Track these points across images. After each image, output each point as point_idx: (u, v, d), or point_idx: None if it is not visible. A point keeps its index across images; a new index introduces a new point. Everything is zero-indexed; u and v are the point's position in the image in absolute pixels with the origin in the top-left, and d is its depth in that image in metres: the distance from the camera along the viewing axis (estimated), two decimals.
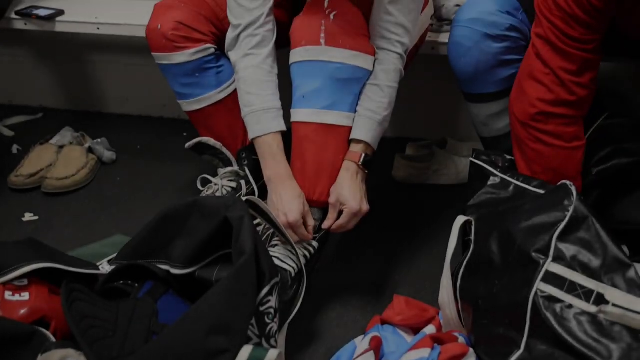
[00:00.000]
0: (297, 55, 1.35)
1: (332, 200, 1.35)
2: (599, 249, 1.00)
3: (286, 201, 1.32)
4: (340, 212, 1.35)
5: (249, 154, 1.56)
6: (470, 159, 1.33)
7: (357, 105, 1.37)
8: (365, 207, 1.35)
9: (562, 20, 1.16)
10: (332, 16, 1.32)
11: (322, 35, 1.32)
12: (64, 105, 2.41)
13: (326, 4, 1.34)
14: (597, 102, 1.36)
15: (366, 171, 1.37)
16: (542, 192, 1.17)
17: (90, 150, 2.01)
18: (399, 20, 1.35)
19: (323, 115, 1.34)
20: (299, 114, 1.36)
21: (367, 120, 1.36)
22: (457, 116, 2.04)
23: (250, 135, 1.40)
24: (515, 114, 1.28)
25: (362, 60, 1.34)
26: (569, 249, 1.01)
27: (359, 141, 1.36)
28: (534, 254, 1.02)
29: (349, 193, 1.33)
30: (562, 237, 1.02)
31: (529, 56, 1.25)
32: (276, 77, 1.42)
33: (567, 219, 1.02)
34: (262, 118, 1.38)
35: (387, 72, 1.37)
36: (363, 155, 1.35)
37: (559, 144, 1.25)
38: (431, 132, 2.07)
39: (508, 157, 1.35)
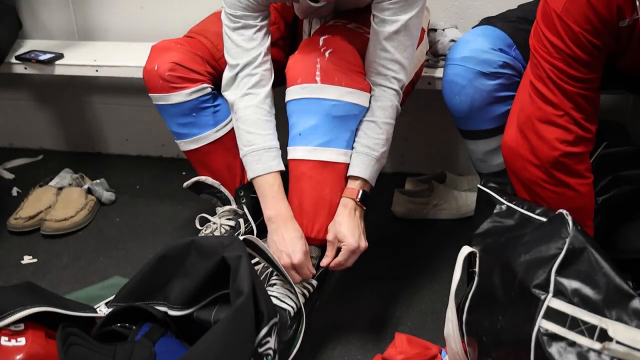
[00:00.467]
0: (293, 93, 1.36)
1: (330, 237, 1.34)
2: (600, 280, 0.98)
3: (289, 242, 1.32)
4: (339, 250, 1.34)
5: (247, 192, 1.56)
6: (478, 185, 1.31)
7: (353, 141, 1.37)
8: (364, 243, 1.35)
9: (563, 62, 1.15)
10: (327, 54, 1.34)
11: (318, 72, 1.33)
12: (64, 146, 2.43)
13: (321, 42, 1.36)
14: (597, 132, 1.36)
15: (364, 208, 1.37)
16: (542, 218, 1.15)
17: (89, 191, 2.01)
18: (394, 57, 1.36)
19: (320, 153, 1.34)
20: (295, 152, 1.36)
21: (365, 157, 1.36)
22: (455, 150, 2.04)
23: (250, 175, 1.40)
24: (533, 161, 1.25)
25: (357, 97, 1.35)
26: (569, 283, 0.99)
27: (356, 178, 1.36)
28: (534, 290, 1.00)
29: (347, 230, 1.32)
30: (561, 271, 1.00)
31: (534, 100, 1.22)
32: (274, 117, 1.43)
33: (564, 252, 1.00)
34: (263, 157, 1.38)
35: (383, 108, 1.37)
36: (361, 191, 1.35)
37: (581, 182, 1.24)
38: (430, 167, 2.07)
39: None
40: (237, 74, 1.41)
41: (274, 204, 1.36)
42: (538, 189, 1.26)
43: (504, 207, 1.22)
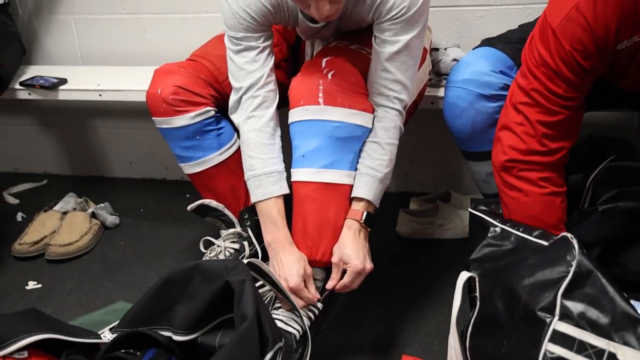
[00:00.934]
0: (296, 114, 1.36)
1: (334, 259, 1.33)
2: (607, 304, 0.97)
3: (286, 266, 1.32)
4: (344, 272, 1.33)
5: (251, 214, 1.55)
6: (469, 209, 1.31)
7: (357, 163, 1.37)
8: (369, 265, 1.34)
9: (545, 75, 1.15)
10: (329, 75, 1.34)
11: (321, 94, 1.33)
12: (68, 171, 2.43)
13: (324, 64, 1.36)
14: (602, 147, 1.35)
15: (369, 229, 1.36)
16: (543, 242, 1.14)
17: (93, 215, 2.01)
18: (396, 77, 1.36)
19: (323, 174, 1.33)
20: (299, 174, 1.35)
21: (368, 178, 1.35)
22: (459, 169, 2.04)
23: (252, 199, 1.41)
24: (493, 162, 1.29)
25: (361, 119, 1.35)
26: (575, 306, 0.98)
27: (360, 199, 1.35)
28: (539, 313, 0.99)
29: (352, 252, 1.31)
30: (567, 294, 0.99)
31: (506, 106, 1.25)
32: (279, 139, 1.43)
33: (570, 275, 0.99)
34: (263, 182, 1.38)
35: (386, 129, 1.37)
36: (365, 213, 1.35)
37: (534, 190, 1.23)
38: (434, 186, 2.07)
39: None
40: (241, 97, 1.42)
41: (272, 230, 1.36)
42: (500, 192, 1.29)
43: (497, 229, 1.21)
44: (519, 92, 1.21)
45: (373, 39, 1.36)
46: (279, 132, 1.43)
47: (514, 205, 1.26)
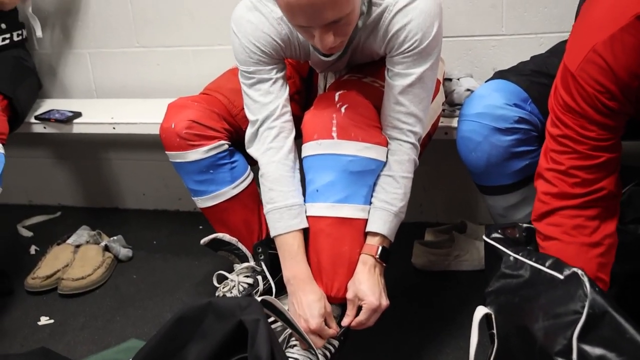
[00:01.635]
0: (309, 148, 1.35)
1: (349, 295, 1.31)
2: (625, 346, 0.92)
3: (306, 306, 1.29)
4: (359, 308, 1.31)
5: (265, 248, 1.54)
6: (483, 237, 1.28)
7: (371, 197, 1.35)
8: (385, 301, 1.31)
9: (574, 121, 1.10)
10: (343, 109, 1.33)
11: (334, 128, 1.32)
12: (82, 202, 2.44)
13: (337, 97, 1.35)
14: (628, 171, 1.31)
15: (384, 264, 1.34)
16: (556, 274, 1.09)
17: (106, 248, 2.00)
18: (410, 110, 1.35)
19: (337, 209, 1.32)
20: (313, 208, 1.34)
21: (383, 212, 1.34)
22: (475, 199, 2.01)
23: (272, 233, 1.38)
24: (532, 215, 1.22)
25: (374, 152, 1.33)
26: (592, 350, 0.93)
27: (375, 234, 1.33)
28: (556, 358, 0.95)
29: (367, 288, 1.29)
30: (582, 337, 0.94)
31: (540, 156, 1.18)
32: (298, 171, 1.41)
33: (584, 317, 0.95)
34: (284, 215, 1.36)
35: (400, 162, 1.36)
36: (380, 248, 1.33)
37: (564, 238, 1.15)
38: (449, 216, 2.04)
39: (524, 225, 1.26)
40: (257, 129, 1.41)
41: (292, 265, 1.34)
42: (539, 246, 1.20)
43: (511, 258, 1.18)
44: (552, 141, 1.15)
45: (386, 71, 1.36)
46: (297, 164, 1.42)
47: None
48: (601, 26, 1.04)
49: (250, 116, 1.42)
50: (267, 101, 1.39)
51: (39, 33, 2.08)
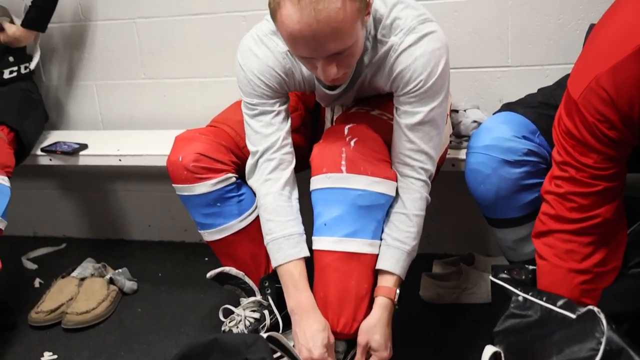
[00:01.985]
0: (318, 182, 1.34)
1: (361, 340, 1.29)
2: None
3: (309, 336, 1.28)
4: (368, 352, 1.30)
5: (272, 282, 1.52)
6: (490, 277, 1.27)
7: (381, 231, 1.34)
8: (391, 353, 1.32)
9: (574, 147, 1.12)
10: (352, 143, 1.33)
11: (343, 162, 1.31)
12: (87, 234, 2.43)
13: (346, 131, 1.35)
14: (634, 208, 1.30)
15: (397, 307, 1.34)
16: (568, 313, 1.09)
17: (111, 281, 1.98)
18: (420, 147, 1.34)
19: (345, 243, 1.31)
20: (320, 242, 1.33)
21: (396, 251, 1.33)
22: (483, 230, 2.00)
23: (273, 264, 1.38)
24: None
25: (384, 187, 1.32)
26: None
27: (389, 273, 1.32)
28: None
29: (382, 339, 1.29)
30: None
31: (545, 180, 1.22)
32: (296, 201, 1.42)
33: (601, 353, 0.94)
34: (283, 245, 1.36)
35: (413, 200, 1.35)
36: (398, 292, 1.32)
37: (552, 261, 1.18)
38: (457, 247, 2.03)
39: (530, 267, 1.27)
40: (257, 160, 1.42)
41: (295, 294, 1.33)
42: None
43: (520, 298, 1.17)
44: (555, 167, 1.18)
45: (394, 109, 1.35)
46: (296, 195, 1.42)
47: (539, 275, 1.21)
48: (604, 56, 1.05)
49: (250, 147, 1.43)
50: (268, 132, 1.40)
51: (32, 65, 2.10)
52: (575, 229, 1.16)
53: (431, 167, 1.37)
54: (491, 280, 1.26)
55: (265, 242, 1.40)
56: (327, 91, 1.42)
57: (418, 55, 1.28)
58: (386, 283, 1.33)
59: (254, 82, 1.39)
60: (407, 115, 1.32)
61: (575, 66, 1.15)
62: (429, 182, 1.38)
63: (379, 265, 1.33)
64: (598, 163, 1.10)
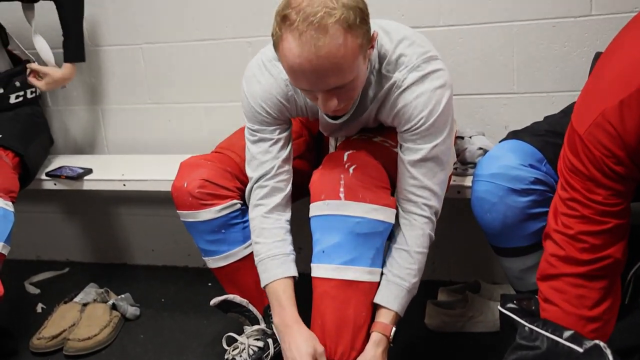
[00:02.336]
0: (316, 209, 1.34)
1: None
2: None
3: (294, 348, 1.28)
4: None
5: None
6: (498, 307, 1.25)
7: (380, 259, 1.33)
8: None
9: (581, 184, 1.09)
10: (351, 170, 1.32)
11: (342, 189, 1.31)
12: (90, 258, 2.42)
13: (345, 157, 1.35)
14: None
15: (391, 344, 1.33)
16: (575, 347, 1.07)
17: (114, 307, 1.97)
18: (423, 184, 1.33)
19: (343, 271, 1.30)
20: (318, 270, 1.32)
21: (395, 287, 1.32)
22: (489, 258, 1.98)
23: (262, 285, 1.40)
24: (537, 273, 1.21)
25: (382, 214, 1.31)
26: None
27: (387, 309, 1.32)
28: None
29: None
30: None
31: (549, 216, 1.18)
32: (286, 223, 1.43)
33: None
34: (268, 266, 1.38)
35: (415, 237, 1.34)
36: (394, 329, 1.31)
37: (564, 307, 1.13)
38: (462, 274, 2.01)
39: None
40: (252, 186, 1.44)
41: (279, 311, 1.35)
42: (540, 305, 1.20)
43: (526, 329, 1.15)
44: (561, 204, 1.15)
45: (398, 145, 1.35)
46: (286, 217, 1.44)
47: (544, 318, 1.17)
48: (611, 91, 1.04)
49: (248, 172, 1.45)
50: (264, 159, 1.42)
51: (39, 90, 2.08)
52: (587, 271, 1.12)
53: (436, 204, 1.35)
54: (499, 311, 1.24)
55: (255, 264, 1.42)
56: (330, 120, 1.42)
57: (420, 93, 1.28)
58: (383, 319, 1.31)
59: (255, 109, 1.40)
60: (410, 151, 1.32)
61: (579, 100, 1.13)
62: (434, 219, 1.37)
63: (377, 300, 1.32)
64: (607, 199, 1.08)
